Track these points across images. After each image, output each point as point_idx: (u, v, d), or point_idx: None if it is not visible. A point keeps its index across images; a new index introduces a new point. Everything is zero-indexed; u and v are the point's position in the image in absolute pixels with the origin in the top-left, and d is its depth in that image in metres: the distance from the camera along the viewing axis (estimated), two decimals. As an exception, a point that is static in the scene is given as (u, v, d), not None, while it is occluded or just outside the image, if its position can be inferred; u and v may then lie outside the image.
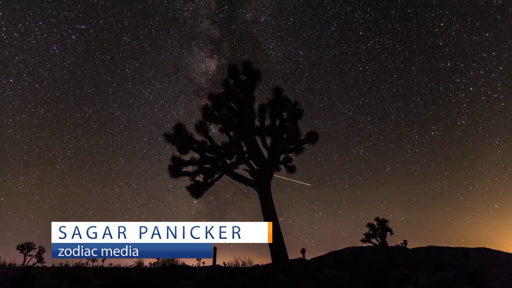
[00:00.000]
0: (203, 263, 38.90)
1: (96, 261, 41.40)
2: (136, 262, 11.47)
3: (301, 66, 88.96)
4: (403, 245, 32.36)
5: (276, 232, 9.64)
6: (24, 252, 27.50)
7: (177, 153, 10.93)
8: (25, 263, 26.77)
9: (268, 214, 9.94)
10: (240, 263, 12.70)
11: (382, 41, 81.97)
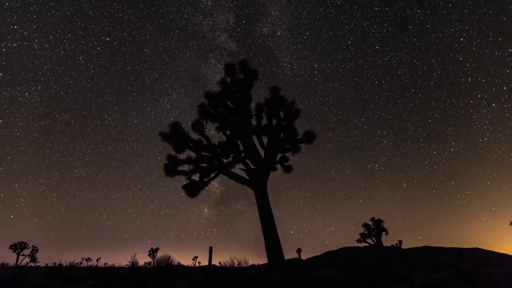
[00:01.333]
0: (199, 262, 38.74)
1: (91, 260, 41.08)
2: (130, 262, 11.35)
3: (316, 79, 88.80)
4: (398, 245, 32.62)
5: (272, 232, 9.60)
6: (17, 251, 27.15)
7: (173, 152, 10.86)
8: (18, 263, 26.43)
9: (264, 213, 9.89)
10: (236, 262, 12.67)
11: (399, 56, 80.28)
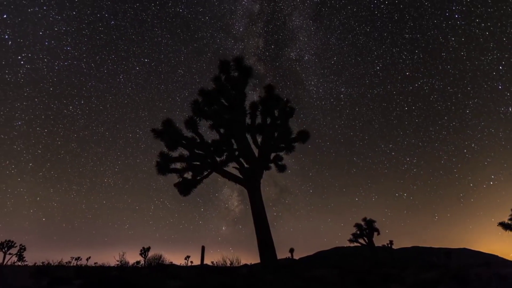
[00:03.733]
0: (191, 262, 38.46)
1: (81, 259, 40.34)
2: (118, 261, 11.10)
3: (342, 103, 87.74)
4: (389, 245, 32.98)
5: (265, 230, 9.53)
6: (3, 250, 26.45)
7: (165, 149, 10.69)
8: (4, 262, 25.76)
9: (257, 212, 9.81)
10: (228, 262, 12.56)
11: (431, 82, 76.64)
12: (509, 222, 20.99)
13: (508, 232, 20.94)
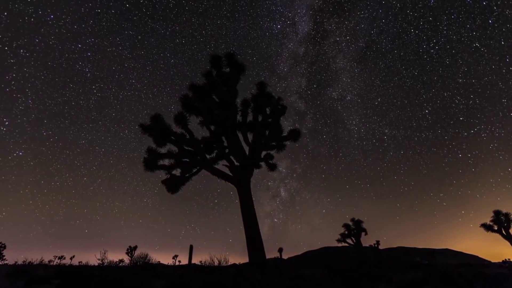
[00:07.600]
0: (179, 261, 37.99)
1: (64, 258, 39.12)
2: (100, 260, 10.73)
3: (386, 144, 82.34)
4: (376, 245, 33.54)
5: (254, 229, 9.40)
6: (-20, 248, 25.34)
7: (153, 145, 10.40)
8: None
9: (246, 210, 9.66)
10: (216, 261, 12.38)
11: (490, 129, 68.25)
12: (491, 223, 21.65)
13: (490, 233, 21.60)
